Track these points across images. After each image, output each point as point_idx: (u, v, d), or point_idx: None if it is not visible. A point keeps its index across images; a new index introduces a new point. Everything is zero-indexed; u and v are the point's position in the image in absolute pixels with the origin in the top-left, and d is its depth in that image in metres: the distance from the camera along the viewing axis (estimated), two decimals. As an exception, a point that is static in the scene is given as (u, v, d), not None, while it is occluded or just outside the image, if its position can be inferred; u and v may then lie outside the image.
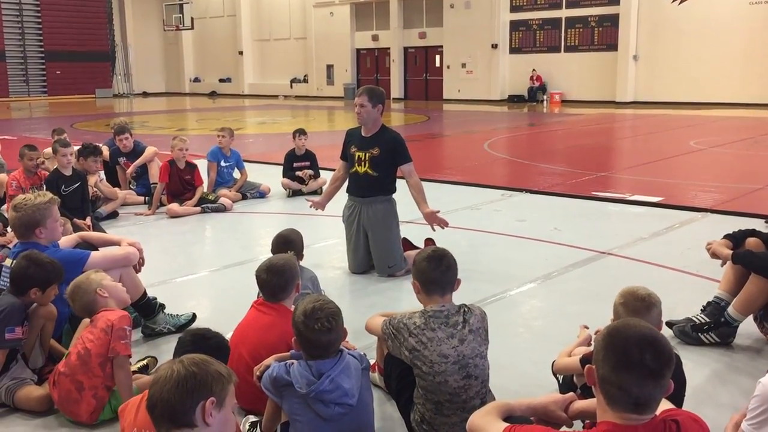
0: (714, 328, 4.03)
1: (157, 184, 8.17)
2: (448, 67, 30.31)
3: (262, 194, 8.85)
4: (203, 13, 38.23)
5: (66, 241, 4.18)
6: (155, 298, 4.39)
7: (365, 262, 5.57)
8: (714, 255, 4.11)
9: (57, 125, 12.68)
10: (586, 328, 3.19)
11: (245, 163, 9.12)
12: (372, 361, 3.44)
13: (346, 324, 2.83)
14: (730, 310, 3.99)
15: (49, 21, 34.23)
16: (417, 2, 31.05)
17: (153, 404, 1.92)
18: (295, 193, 8.84)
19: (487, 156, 12.72)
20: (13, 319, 3.38)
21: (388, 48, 31.97)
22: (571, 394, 2.43)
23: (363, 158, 5.40)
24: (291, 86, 35.97)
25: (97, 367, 3.21)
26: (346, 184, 5.71)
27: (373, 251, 5.50)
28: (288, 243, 3.94)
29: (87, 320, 3.56)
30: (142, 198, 8.55)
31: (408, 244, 5.75)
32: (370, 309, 4.67)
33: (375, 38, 32.69)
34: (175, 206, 7.84)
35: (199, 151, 10.57)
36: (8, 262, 3.78)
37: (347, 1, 32.98)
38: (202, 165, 8.66)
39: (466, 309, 2.94)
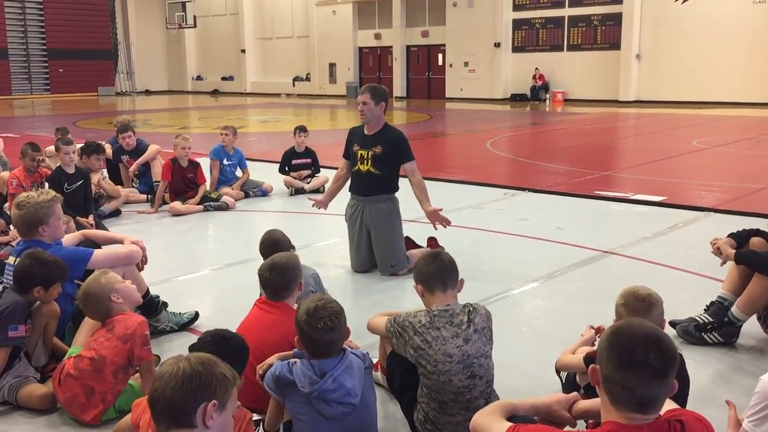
0: (717, 327, 4.02)
1: (159, 182, 8.17)
2: (451, 65, 30.27)
3: (264, 192, 8.86)
4: (206, 12, 38.23)
5: (69, 239, 4.18)
6: (158, 297, 4.40)
7: (368, 261, 5.57)
8: (718, 251, 4.09)
9: (59, 123, 12.70)
10: (593, 328, 3.18)
11: (248, 162, 9.12)
12: (375, 360, 3.43)
13: (349, 323, 2.82)
14: (734, 309, 3.98)
15: (52, 19, 34.25)
16: (420, 1, 31.03)
17: (155, 400, 1.91)
18: (297, 192, 8.85)
19: (489, 155, 12.71)
20: (17, 317, 3.38)
21: (391, 46, 31.94)
22: (574, 393, 2.43)
23: (366, 156, 5.39)
24: (293, 84, 35.97)
25: (110, 375, 3.20)
26: (348, 182, 5.70)
27: (376, 250, 5.50)
28: (276, 245, 3.90)
29: (94, 321, 3.56)
30: (144, 196, 8.56)
31: (411, 243, 5.74)
32: (372, 308, 4.67)
33: (377, 37, 32.67)
34: (177, 204, 7.84)
35: (201, 149, 10.57)
36: (11, 260, 3.78)
37: (350, -1, 32.99)
38: (204, 163, 8.66)
39: (471, 308, 2.94)
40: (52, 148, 8.22)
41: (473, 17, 28.88)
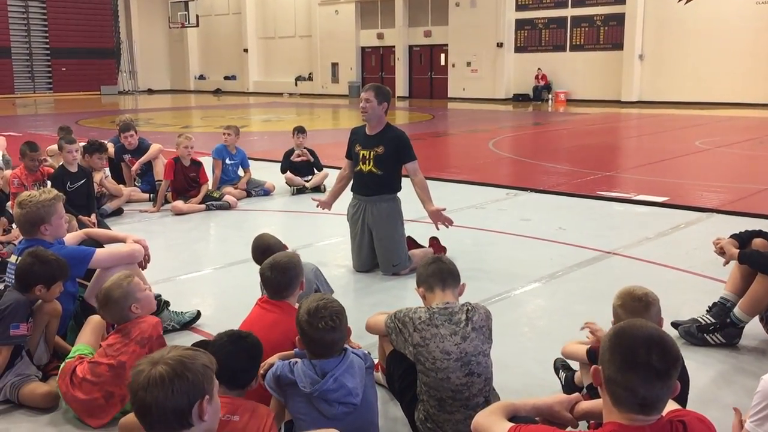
0: (720, 329, 4.02)
1: (162, 181, 8.18)
2: (453, 65, 30.26)
3: (266, 192, 8.86)
4: (208, 11, 38.25)
5: (71, 238, 4.18)
6: (160, 296, 4.39)
7: (369, 261, 5.57)
8: (721, 251, 4.09)
9: (62, 122, 12.71)
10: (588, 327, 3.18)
11: (250, 161, 9.12)
12: (375, 361, 3.43)
13: (350, 323, 2.82)
14: (736, 310, 3.98)
15: (55, 18, 34.31)
16: (422, 1, 31.02)
17: (146, 410, 1.85)
18: (299, 191, 8.85)
19: (491, 155, 12.70)
20: (18, 316, 3.38)
21: (393, 46, 31.94)
22: (576, 394, 2.43)
23: (368, 157, 5.39)
24: (296, 84, 35.99)
25: None
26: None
27: (378, 250, 5.50)
28: (267, 250, 3.87)
29: (97, 318, 3.56)
30: (146, 195, 8.57)
31: (412, 243, 5.74)
32: (374, 308, 4.67)
33: (380, 36, 32.67)
34: (179, 203, 7.84)
35: (203, 148, 10.58)
36: (13, 258, 3.78)
37: (352, -1, 33.00)
38: (207, 162, 8.66)
39: (469, 307, 2.95)
40: (54, 147, 8.24)
41: (476, 17, 28.87)
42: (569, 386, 3.34)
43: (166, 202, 8.04)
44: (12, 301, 3.41)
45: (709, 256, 4.55)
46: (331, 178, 8.32)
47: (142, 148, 8.78)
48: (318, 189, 8.89)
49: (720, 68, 23.92)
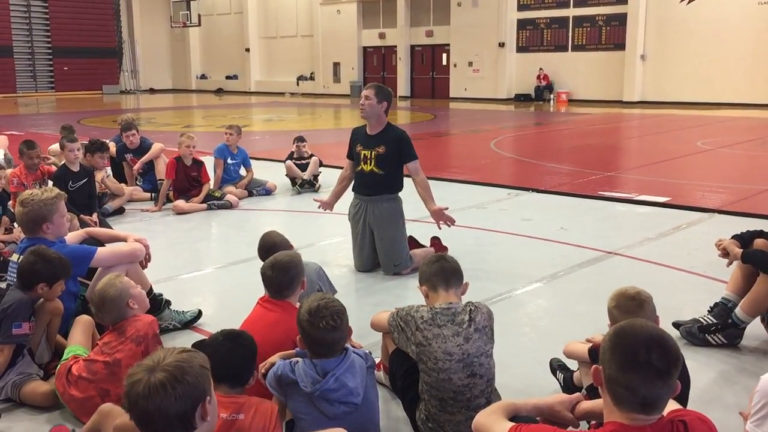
0: (721, 329, 4.01)
1: (163, 180, 8.19)
2: (455, 65, 30.25)
3: (268, 191, 8.86)
4: (210, 10, 38.26)
5: (73, 236, 4.18)
6: (161, 295, 4.40)
7: (371, 261, 5.57)
8: (724, 251, 4.08)
9: (64, 121, 12.72)
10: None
11: (251, 161, 9.13)
12: (377, 360, 3.43)
13: (352, 322, 2.82)
14: (738, 311, 3.97)
15: (57, 17, 34.32)
16: (424, 0, 31.01)
17: (149, 418, 1.82)
18: (301, 189, 8.87)
19: (493, 155, 12.70)
20: (21, 315, 3.39)
21: (395, 46, 31.92)
22: (577, 394, 2.43)
23: (369, 156, 5.39)
24: (297, 84, 35.99)
25: None
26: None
27: (379, 249, 5.50)
28: (273, 247, 3.89)
29: (86, 318, 3.56)
30: (148, 194, 8.58)
31: (414, 243, 5.74)
32: (375, 307, 4.66)
33: (382, 36, 32.66)
34: (181, 203, 7.85)
35: (205, 148, 10.58)
36: (15, 257, 3.79)
37: (354, -2, 33.00)
38: (208, 162, 8.67)
39: (472, 307, 2.94)
40: (56, 146, 8.25)
41: (477, 17, 28.85)
42: (568, 386, 3.34)
43: (168, 201, 8.05)
44: (14, 300, 3.41)
45: (710, 257, 4.54)
46: (330, 177, 8.32)
47: (143, 147, 8.79)
48: (313, 185, 8.92)
49: (722, 68, 23.89)
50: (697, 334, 4.06)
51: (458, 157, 13.31)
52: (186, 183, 8.07)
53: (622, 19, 26.00)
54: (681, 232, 6.73)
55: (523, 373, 3.70)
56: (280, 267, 3.30)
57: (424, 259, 3.21)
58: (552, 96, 27.75)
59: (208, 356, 1.99)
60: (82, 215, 6.23)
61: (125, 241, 4.23)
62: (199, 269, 5.85)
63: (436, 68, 31.40)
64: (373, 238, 5.50)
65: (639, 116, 21.63)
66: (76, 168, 6.79)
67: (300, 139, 9.34)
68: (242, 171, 8.95)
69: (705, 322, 4.09)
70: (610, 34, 26.68)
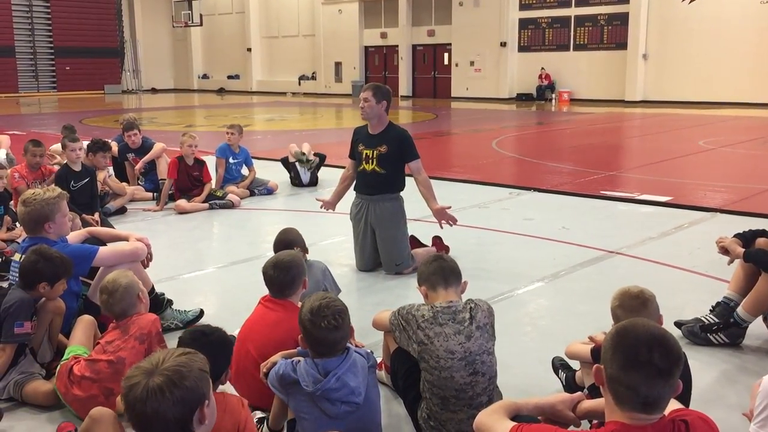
0: (723, 328, 4.01)
1: (165, 180, 8.19)
2: (457, 65, 30.24)
3: (269, 191, 8.87)
4: (212, 10, 38.28)
5: (74, 236, 4.19)
6: (163, 294, 4.41)
7: (372, 260, 5.57)
8: (725, 251, 4.08)
9: (66, 121, 12.73)
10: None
11: (253, 160, 9.13)
12: (379, 359, 3.44)
13: (353, 322, 2.82)
14: (740, 310, 3.97)
15: (59, 17, 34.35)
16: (426, 0, 31.01)
17: (147, 421, 1.81)
18: (300, 184, 9.10)
19: (495, 154, 12.69)
20: (22, 314, 3.39)
21: (397, 46, 31.92)
22: (579, 393, 2.43)
23: (371, 156, 5.39)
24: (299, 83, 36.00)
25: None
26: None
27: (381, 249, 5.50)
28: (290, 244, 3.92)
29: (88, 318, 3.56)
30: (150, 194, 8.58)
31: (416, 242, 5.74)
32: (377, 307, 4.67)
33: (383, 36, 32.66)
34: (183, 202, 7.86)
35: (207, 147, 10.59)
36: (17, 257, 3.79)
37: (356, -2, 32.99)
38: (210, 161, 8.67)
39: (473, 305, 2.95)
40: (58, 146, 8.25)
41: (479, 16, 28.84)
42: (570, 386, 3.34)
43: (170, 200, 8.05)
44: (16, 300, 3.42)
45: (712, 256, 4.54)
46: (332, 177, 8.33)
47: (145, 146, 8.79)
48: (314, 181, 9.14)
49: (724, 68, 23.86)
50: (699, 333, 4.06)
51: (460, 156, 13.31)
52: (188, 182, 8.08)
53: (623, 18, 25.98)
54: (683, 231, 6.73)
55: (524, 373, 3.70)
56: (282, 266, 3.31)
57: (423, 259, 3.21)
58: (554, 95, 27.73)
59: None
60: (83, 215, 6.24)
61: (127, 240, 4.23)
62: (201, 269, 5.85)
63: (437, 68, 31.39)
64: (375, 238, 5.50)
65: (641, 116, 21.61)
66: (77, 167, 6.80)
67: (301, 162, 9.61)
68: (244, 171, 8.96)
69: (707, 322, 4.09)
70: (611, 33, 26.66)
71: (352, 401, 2.68)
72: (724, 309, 4.11)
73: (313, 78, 35.66)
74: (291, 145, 9.39)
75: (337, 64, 34.43)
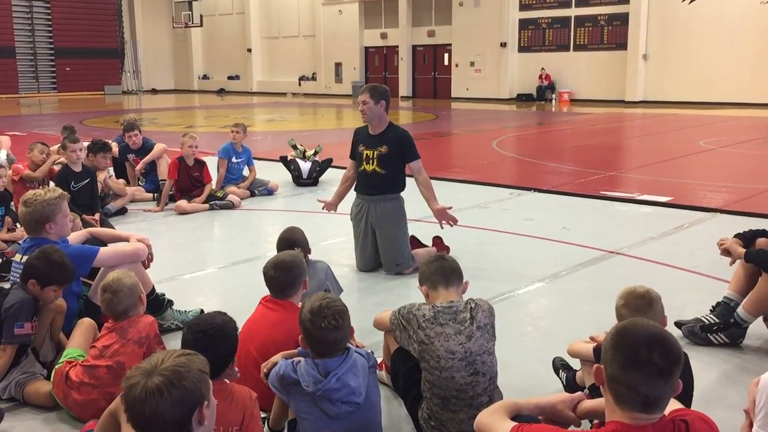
0: (723, 328, 4.01)
1: (165, 180, 8.20)
2: (457, 65, 30.25)
3: (270, 191, 8.87)
4: (212, 11, 38.29)
5: (75, 236, 4.19)
6: (163, 294, 4.41)
7: (373, 260, 5.57)
8: (726, 252, 4.08)
9: (66, 122, 12.73)
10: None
11: (254, 161, 9.14)
12: (379, 360, 3.44)
13: (354, 322, 2.83)
14: (740, 310, 3.97)
15: (59, 18, 34.37)
16: (426, 0, 31.02)
17: (145, 422, 1.82)
18: (300, 177, 9.14)
19: (495, 155, 12.70)
20: (23, 315, 3.39)
21: (397, 46, 31.93)
22: (579, 393, 2.43)
23: (371, 156, 5.39)
24: (299, 84, 36.01)
25: None
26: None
27: (381, 249, 5.50)
28: (293, 243, 3.93)
29: (88, 321, 3.56)
30: (150, 194, 8.58)
31: (416, 242, 5.75)
32: (377, 307, 4.67)
33: (384, 36, 32.66)
34: (183, 203, 7.86)
35: (207, 148, 10.59)
36: (18, 257, 3.80)
37: (356, -2, 33.00)
38: (211, 162, 8.67)
39: (473, 305, 2.95)
40: (58, 147, 8.25)
41: (479, 17, 28.85)
42: (571, 386, 3.34)
43: (171, 201, 8.06)
44: (16, 300, 3.42)
45: (712, 256, 4.54)
46: (333, 177, 8.34)
47: (146, 147, 8.80)
48: (315, 179, 9.17)
49: (724, 68, 23.86)
50: (699, 333, 4.06)
51: (460, 156, 13.31)
52: (188, 183, 8.08)
53: (624, 18, 25.98)
54: (683, 231, 6.73)
55: (525, 373, 3.70)
56: (283, 267, 3.31)
57: (424, 259, 3.21)
58: (554, 96, 27.74)
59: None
60: (84, 215, 6.24)
61: (127, 241, 4.23)
62: (202, 269, 5.85)
63: (438, 68, 31.40)
64: (375, 238, 5.50)
65: (641, 116, 21.61)
66: (78, 168, 6.80)
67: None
68: (246, 171, 8.96)
69: (707, 322, 4.09)
70: (612, 33, 26.66)
71: (353, 401, 2.68)
72: (724, 309, 4.11)
73: (314, 78, 35.66)
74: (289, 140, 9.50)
75: (338, 65, 34.43)
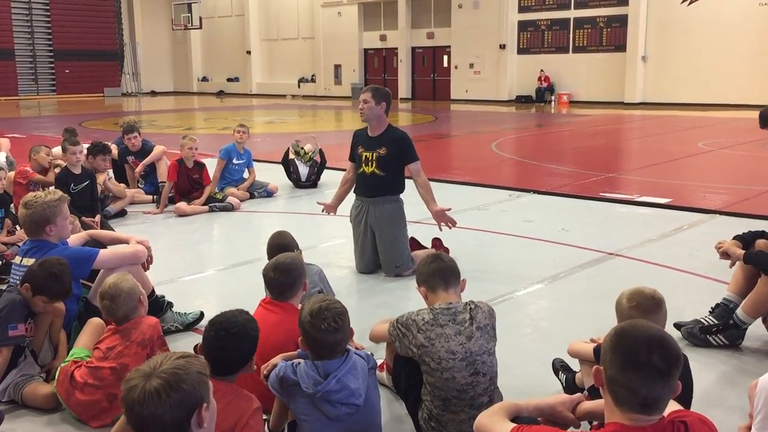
0: (722, 330, 4.01)
1: (165, 182, 8.20)
2: (456, 67, 30.27)
3: (269, 193, 8.88)
4: (211, 13, 38.31)
5: (75, 239, 4.20)
6: (163, 297, 4.41)
7: (372, 262, 5.57)
8: (725, 254, 4.08)
9: (66, 124, 12.74)
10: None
11: (253, 162, 9.15)
12: (380, 361, 3.44)
13: (353, 324, 2.83)
14: (739, 312, 3.97)
15: (59, 20, 34.38)
16: (425, 2, 31.03)
17: (144, 424, 1.81)
18: (299, 180, 9.19)
19: (494, 156, 12.70)
20: (15, 316, 3.39)
21: (396, 48, 31.94)
22: (578, 394, 2.44)
23: (370, 158, 5.40)
24: (299, 86, 36.01)
25: None
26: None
27: (381, 251, 5.50)
28: (285, 248, 3.91)
29: (97, 321, 3.56)
30: (150, 197, 8.58)
31: (415, 244, 5.75)
32: (377, 309, 4.69)
33: (383, 38, 32.68)
34: (183, 205, 7.86)
35: (207, 150, 10.60)
36: (18, 260, 3.80)
37: (355, 1, 32.98)
38: (210, 164, 8.68)
39: (473, 306, 2.95)
40: (58, 149, 8.26)
41: (479, 19, 28.87)
42: (570, 387, 3.35)
43: (170, 203, 8.06)
44: (8, 302, 3.42)
45: (711, 258, 4.54)
46: (333, 179, 8.34)
47: (145, 149, 8.80)
48: (314, 181, 9.17)
49: (723, 70, 23.88)
50: (698, 335, 4.06)
51: (459, 158, 13.32)
52: (188, 185, 8.08)
53: (623, 20, 26.00)
54: (682, 233, 6.74)
55: (524, 374, 3.70)
56: (283, 269, 3.32)
57: (422, 259, 3.20)
58: (553, 97, 27.76)
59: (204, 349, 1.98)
60: (84, 217, 6.24)
61: (127, 243, 4.24)
62: (201, 271, 5.85)
63: (437, 70, 31.41)
64: (375, 240, 5.51)
65: (640, 117, 21.62)
66: (78, 170, 6.81)
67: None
68: (245, 173, 8.96)
69: (706, 323, 4.09)
70: (611, 35, 26.69)
71: (353, 403, 2.69)
72: (723, 310, 4.11)
73: (313, 80, 35.67)
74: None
75: (337, 67, 34.45)
